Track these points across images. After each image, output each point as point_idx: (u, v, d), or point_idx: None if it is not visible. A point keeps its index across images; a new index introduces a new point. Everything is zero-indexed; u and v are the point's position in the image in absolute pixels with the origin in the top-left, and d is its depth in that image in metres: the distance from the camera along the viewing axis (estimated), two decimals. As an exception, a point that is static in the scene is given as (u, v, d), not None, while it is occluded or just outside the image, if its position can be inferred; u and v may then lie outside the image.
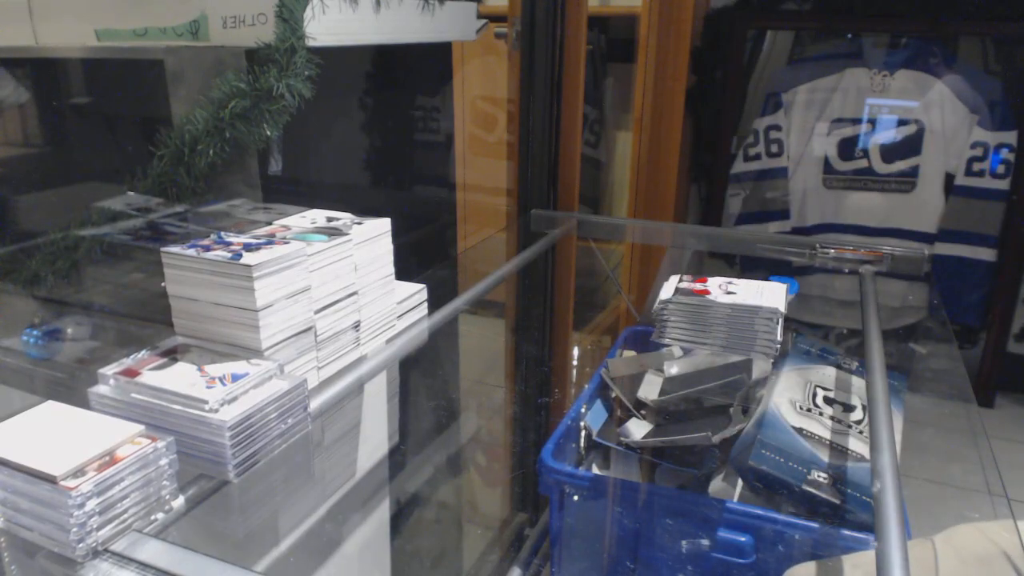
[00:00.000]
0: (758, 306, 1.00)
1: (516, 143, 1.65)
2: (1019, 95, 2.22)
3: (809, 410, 0.97)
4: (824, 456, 0.90)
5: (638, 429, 1.02)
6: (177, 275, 0.77)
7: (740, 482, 0.95)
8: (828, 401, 0.99)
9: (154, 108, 1.02)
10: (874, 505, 0.67)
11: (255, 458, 0.70)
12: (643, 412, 1.07)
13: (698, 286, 1.08)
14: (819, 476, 0.87)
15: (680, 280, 1.11)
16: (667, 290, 1.07)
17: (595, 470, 1.06)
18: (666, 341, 1.05)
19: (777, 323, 0.99)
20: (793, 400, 0.98)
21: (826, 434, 0.93)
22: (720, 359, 1.11)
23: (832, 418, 0.96)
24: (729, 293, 1.05)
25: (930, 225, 2.32)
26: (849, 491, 0.85)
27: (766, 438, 0.90)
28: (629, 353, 1.27)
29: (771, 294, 1.04)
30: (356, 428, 0.99)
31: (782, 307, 1.01)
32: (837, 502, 0.84)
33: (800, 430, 0.92)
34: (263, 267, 0.74)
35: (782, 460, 0.88)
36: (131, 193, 0.97)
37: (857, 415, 0.97)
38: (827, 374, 1.06)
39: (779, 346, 1.00)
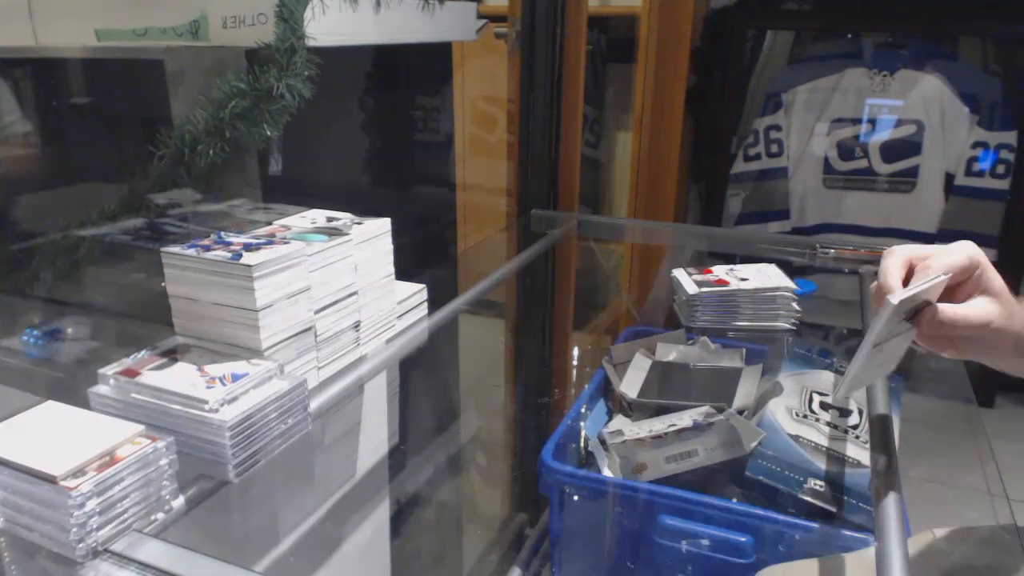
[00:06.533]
0: (776, 286, 1.17)
1: (516, 143, 1.65)
2: (1019, 95, 2.22)
3: (806, 416, 0.96)
4: (821, 464, 0.89)
5: (617, 425, 1.02)
6: (177, 275, 0.77)
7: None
8: (825, 407, 0.99)
9: (154, 108, 1.02)
10: (874, 504, 0.66)
11: (255, 458, 0.70)
12: (631, 407, 1.07)
13: (711, 277, 1.22)
14: (816, 484, 0.86)
15: (690, 274, 1.23)
16: (689, 284, 1.19)
17: (599, 470, 1.05)
18: (697, 328, 1.18)
19: (793, 296, 1.18)
20: (790, 407, 0.98)
21: (823, 441, 0.92)
22: (713, 357, 1.11)
23: (829, 424, 0.96)
24: (743, 279, 1.20)
25: (930, 225, 2.32)
26: (847, 498, 0.85)
27: (763, 447, 0.90)
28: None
29: (775, 274, 1.22)
30: (356, 428, 0.99)
31: (790, 283, 1.18)
32: (834, 510, 0.84)
33: (797, 437, 0.92)
34: (263, 267, 0.74)
35: (779, 469, 0.88)
36: (129, 194, 0.96)
37: (854, 419, 0.97)
38: (824, 379, 1.05)
39: (799, 314, 1.17)
